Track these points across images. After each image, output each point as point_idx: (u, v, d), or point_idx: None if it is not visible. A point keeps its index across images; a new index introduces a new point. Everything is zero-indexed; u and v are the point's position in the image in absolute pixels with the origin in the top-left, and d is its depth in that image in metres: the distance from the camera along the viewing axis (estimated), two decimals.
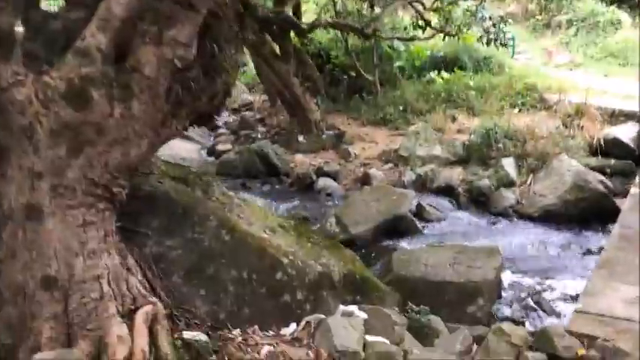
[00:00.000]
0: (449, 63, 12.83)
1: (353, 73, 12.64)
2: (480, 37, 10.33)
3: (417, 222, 7.33)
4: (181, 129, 3.07)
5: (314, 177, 8.95)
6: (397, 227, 7.04)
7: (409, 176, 8.73)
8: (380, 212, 6.94)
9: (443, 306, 4.48)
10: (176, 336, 2.85)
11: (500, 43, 9.90)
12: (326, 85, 12.98)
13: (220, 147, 11.02)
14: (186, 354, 2.79)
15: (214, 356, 2.84)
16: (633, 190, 5.30)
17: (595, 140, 8.69)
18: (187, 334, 2.88)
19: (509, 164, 8.36)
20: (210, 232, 3.22)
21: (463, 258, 4.88)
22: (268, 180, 9.27)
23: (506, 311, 5.06)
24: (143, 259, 3.06)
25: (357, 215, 6.89)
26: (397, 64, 12.88)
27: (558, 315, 5.05)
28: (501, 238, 6.86)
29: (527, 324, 4.91)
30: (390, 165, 9.59)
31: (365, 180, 8.87)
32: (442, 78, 12.02)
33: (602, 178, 8.02)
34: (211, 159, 10.76)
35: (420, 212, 7.59)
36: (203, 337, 2.93)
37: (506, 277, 5.76)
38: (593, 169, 8.20)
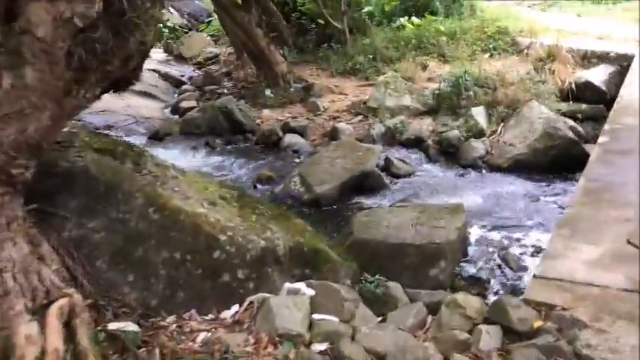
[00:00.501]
0: (420, 7, 12.32)
1: (321, 22, 12.09)
2: None
3: (385, 177, 7.09)
4: (92, 98, 2.72)
5: (280, 133, 8.60)
6: (364, 184, 6.79)
7: (378, 129, 8.42)
8: (346, 169, 6.68)
9: (405, 270, 4.29)
10: (100, 328, 2.60)
11: None
12: (294, 34, 12.47)
13: (184, 104, 10.56)
14: (111, 347, 2.55)
15: (144, 348, 2.60)
16: (601, 138, 5.06)
17: (566, 84, 8.42)
18: (113, 325, 2.63)
19: (479, 113, 8.09)
20: (137, 210, 2.92)
21: (426, 217, 4.66)
22: (233, 138, 8.90)
23: (472, 270, 4.89)
24: (62, 244, 2.77)
25: (322, 173, 6.62)
26: (366, 9, 12.34)
27: (525, 270, 4.91)
28: (469, 191, 6.67)
29: (492, 282, 4.78)
30: (360, 117, 9.27)
31: (333, 134, 8.56)
32: (412, 24, 11.54)
33: (573, 124, 7.83)
34: (176, 117, 10.31)
35: (388, 167, 7.33)
36: (133, 326, 2.69)
37: (474, 232, 5.58)
38: (564, 114, 7.99)
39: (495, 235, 5.54)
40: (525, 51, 9.68)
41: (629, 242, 3.27)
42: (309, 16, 12.34)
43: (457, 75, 8.75)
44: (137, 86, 11.01)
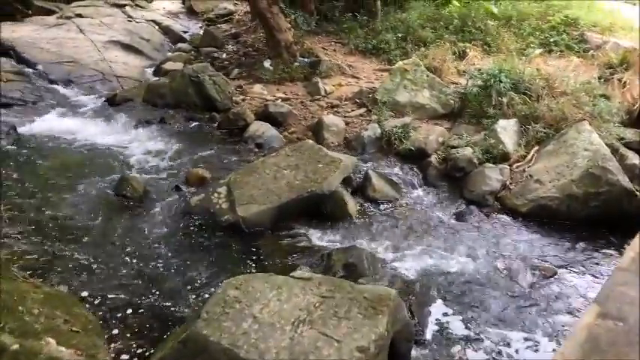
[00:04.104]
0: None
1: None
2: None
3: (356, 201, 5.23)
4: None
5: (250, 119, 6.81)
6: (318, 209, 4.95)
7: (372, 131, 6.48)
8: (292, 186, 4.84)
9: None
10: None
11: None
12: None
13: (168, 65, 8.96)
14: None
15: None
16: None
17: (638, 104, 6.12)
18: None
19: (507, 129, 5.99)
20: None
21: (324, 312, 2.80)
22: (197, 115, 7.18)
23: None
24: None
25: (257, 188, 4.81)
26: None
27: None
28: (460, 243, 4.68)
29: None
30: (363, 110, 7.31)
31: (317, 129, 6.70)
32: (459, 0, 9.31)
33: (638, 161, 5.61)
34: (156, 79, 8.66)
35: (364, 186, 5.45)
36: None
37: (435, 319, 3.69)
38: (627, 145, 5.76)
39: (465, 332, 3.61)
40: (592, 52, 7.34)
41: None
42: None
43: (491, 73, 6.60)
44: (123, 38, 9.58)
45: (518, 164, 5.67)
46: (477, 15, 8.87)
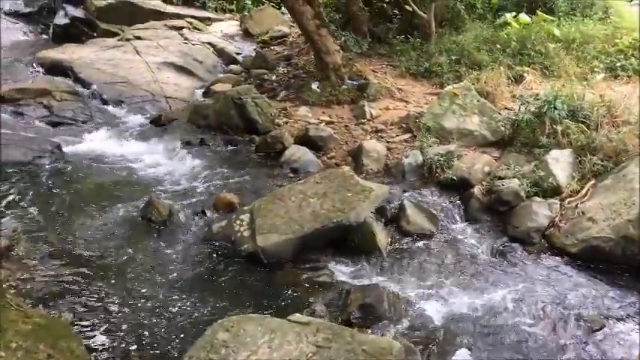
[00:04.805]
0: (538, 2, 9.52)
1: (409, 8, 9.77)
2: None
3: (388, 234, 4.93)
4: None
5: (288, 142, 6.64)
6: (346, 241, 4.67)
7: (413, 158, 6.14)
8: (317, 216, 4.59)
9: None
10: None
11: None
12: (373, 21, 10.33)
13: (218, 87, 8.95)
14: None
15: None
16: None
17: None
18: None
19: (560, 160, 5.50)
20: None
21: None
22: (237, 138, 7.08)
23: None
24: None
25: (279, 217, 4.60)
26: None
27: None
28: (499, 285, 4.27)
29: None
30: (408, 135, 7.00)
31: (357, 154, 6.45)
32: (519, 22, 8.83)
33: None
34: (202, 100, 8.70)
35: (398, 217, 5.13)
36: None
37: None
38: None
39: None
40: None
41: None
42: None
43: (545, 99, 6.14)
44: (177, 59, 9.70)
45: (571, 199, 5.17)
46: (537, 37, 8.36)
